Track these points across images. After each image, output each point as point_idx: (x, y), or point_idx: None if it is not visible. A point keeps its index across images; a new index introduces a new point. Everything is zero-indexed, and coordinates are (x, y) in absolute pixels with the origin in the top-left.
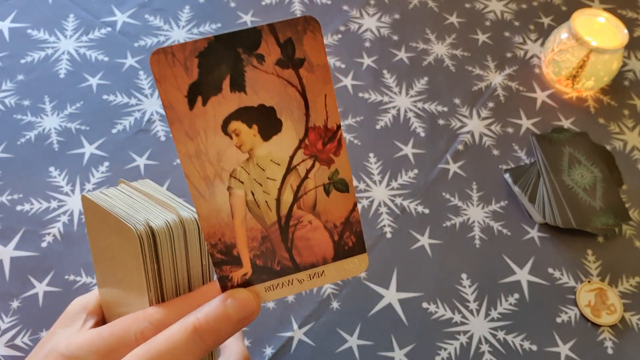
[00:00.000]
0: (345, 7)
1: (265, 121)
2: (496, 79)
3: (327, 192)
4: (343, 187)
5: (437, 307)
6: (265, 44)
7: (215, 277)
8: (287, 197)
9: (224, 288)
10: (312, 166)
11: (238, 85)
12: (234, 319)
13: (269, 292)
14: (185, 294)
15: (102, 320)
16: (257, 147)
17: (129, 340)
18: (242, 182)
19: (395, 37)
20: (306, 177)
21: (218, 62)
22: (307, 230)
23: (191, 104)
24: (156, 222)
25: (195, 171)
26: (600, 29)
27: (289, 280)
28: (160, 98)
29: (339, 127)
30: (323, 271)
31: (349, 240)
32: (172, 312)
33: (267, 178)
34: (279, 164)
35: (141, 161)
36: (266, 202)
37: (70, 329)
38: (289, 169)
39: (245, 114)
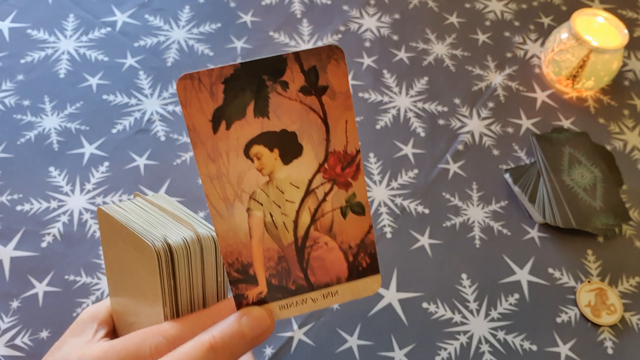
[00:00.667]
0: (345, 7)
1: (287, 145)
2: (496, 79)
3: (344, 215)
4: (360, 209)
5: (437, 307)
6: (290, 71)
7: (230, 294)
8: (305, 218)
9: (239, 306)
10: (331, 189)
11: (261, 110)
12: (249, 336)
13: (283, 310)
14: (199, 311)
15: (112, 331)
16: (278, 170)
17: (143, 355)
18: (261, 204)
19: (395, 37)
20: (324, 199)
21: (243, 88)
22: (322, 251)
23: (215, 127)
24: (174, 238)
25: (216, 192)
26: (600, 29)
27: (303, 299)
28: (184, 121)
29: (358, 152)
30: (337, 291)
31: (363, 261)
32: (186, 328)
33: (286, 200)
34: (297, 187)
35: (141, 161)
36: (284, 223)
37: (80, 339)
38: (308, 192)
39: (267, 139)
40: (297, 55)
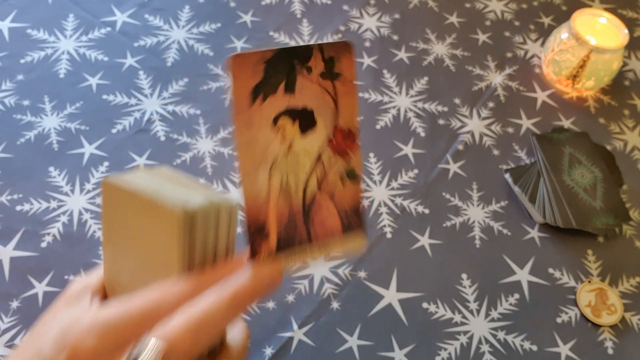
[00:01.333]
0: (346, 7)
1: (305, 120)
2: (496, 78)
3: (343, 182)
4: (355, 177)
5: (437, 307)
6: (314, 59)
7: (235, 253)
8: (312, 184)
9: (252, 257)
10: (335, 160)
11: (290, 89)
12: (262, 291)
13: (287, 260)
14: (214, 268)
15: (105, 300)
16: (296, 140)
17: (164, 309)
18: (279, 170)
19: (395, 37)
20: (329, 168)
21: (279, 69)
22: (324, 213)
23: (253, 100)
24: (192, 201)
25: (247, 157)
26: (600, 29)
27: (302, 250)
28: (231, 93)
29: (357, 129)
30: (329, 244)
31: (354, 222)
32: (202, 283)
33: (300, 167)
34: (309, 156)
35: (141, 161)
36: (296, 186)
37: (78, 308)
38: (317, 160)
39: (291, 113)
40: (320, 46)
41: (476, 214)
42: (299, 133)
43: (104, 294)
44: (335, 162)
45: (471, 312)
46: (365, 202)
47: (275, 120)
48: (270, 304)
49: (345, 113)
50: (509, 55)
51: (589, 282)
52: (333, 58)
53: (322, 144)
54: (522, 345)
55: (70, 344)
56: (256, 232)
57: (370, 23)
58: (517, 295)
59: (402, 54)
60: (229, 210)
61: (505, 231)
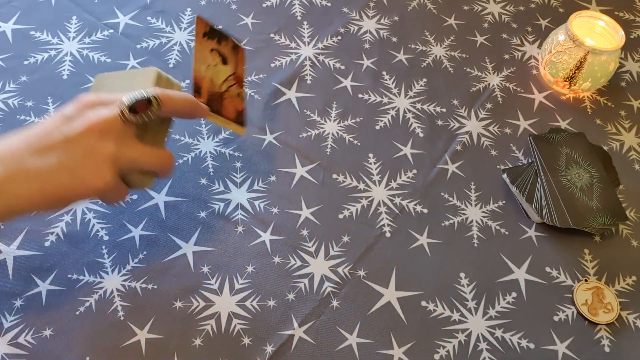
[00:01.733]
0: (345, 9)
1: (224, 58)
2: (494, 80)
3: (238, 96)
4: (242, 98)
5: (436, 305)
6: (227, 41)
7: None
8: (225, 86)
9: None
10: (234, 84)
11: (219, 42)
12: (197, 104)
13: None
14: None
15: None
16: (220, 64)
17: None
18: (210, 71)
19: (394, 39)
20: (231, 86)
21: (215, 33)
22: (228, 102)
23: (203, 37)
24: (157, 70)
25: (199, 57)
26: (597, 31)
27: (215, 116)
28: (196, 33)
29: (243, 77)
30: (228, 122)
31: (240, 117)
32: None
33: (220, 75)
34: (225, 73)
35: None
36: (217, 82)
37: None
38: (227, 77)
39: (219, 51)
40: (232, 38)
41: (474, 213)
42: (221, 62)
43: None
44: (234, 86)
45: (469, 310)
46: (364, 203)
47: (212, 50)
48: (271, 302)
49: (240, 68)
50: (507, 56)
51: (586, 280)
52: (236, 43)
53: (230, 73)
54: (519, 343)
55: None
56: (197, 90)
57: (370, 25)
58: (514, 294)
59: (401, 56)
60: (171, 81)
61: (502, 230)
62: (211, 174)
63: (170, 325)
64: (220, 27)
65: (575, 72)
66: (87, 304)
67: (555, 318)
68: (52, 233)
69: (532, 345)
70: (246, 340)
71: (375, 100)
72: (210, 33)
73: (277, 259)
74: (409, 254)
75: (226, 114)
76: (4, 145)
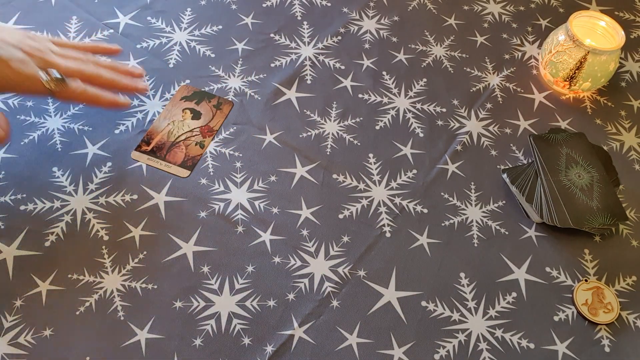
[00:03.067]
0: (345, 9)
1: (197, 112)
2: (494, 80)
3: (197, 145)
4: (202, 146)
5: (436, 305)
6: (208, 101)
7: None
8: (184, 137)
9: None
10: (197, 134)
11: (200, 102)
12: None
13: (149, 156)
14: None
15: None
16: (188, 119)
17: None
18: (173, 125)
19: (394, 39)
20: (193, 136)
21: (206, 94)
22: (178, 150)
23: (180, 101)
24: None
25: (162, 119)
26: (597, 31)
27: (158, 160)
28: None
29: (214, 129)
30: (168, 166)
31: (187, 163)
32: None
33: (182, 128)
34: (189, 127)
35: (143, 161)
36: (175, 134)
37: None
38: (192, 129)
39: (194, 109)
40: (219, 97)
41: (474, 213)
42: (190, 118)
43: None
44: (197, 135)
45: (469, 310)
46: (364, 203)
47: (184, 110)
48: (271, 302)
49: (215, 121)
50: (507, 56)
51: (586, 280)
52: (221, 104)
53: (196, 127)
54: (519, 343)
55: None
56: (145, 140)
57: (370, 25)
58: (514, 294)
59: (401, 56)
60: None
61: (502, 230)
62: (211, 174)
63: (170, 325)
64: (206, 89)
65: (575, 72)
66: (87, 304)
67: (555, 318)
68: (52, 233)
69: (532, 345)
70: (246, 340)
71: (375, 100)
72: (192, 95)
73: (277, 259)
74: (409, 254)
75: (169, 159)
76: None
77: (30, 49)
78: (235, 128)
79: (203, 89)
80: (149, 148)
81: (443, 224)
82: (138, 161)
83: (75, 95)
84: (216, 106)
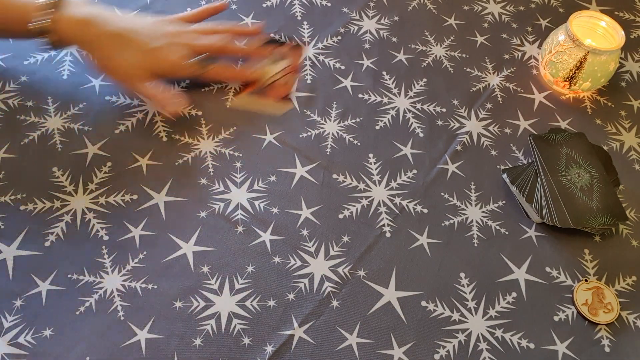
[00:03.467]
0: (345, 9)
1: (278, 57)
2: (494, 80)
3: (286, 84)
4: (290, 84)
5: (436, 305)
6: (281, 47)
7: None
8: (272, 79)
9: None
10: (285, 75)
11: (276, 48)
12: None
13: (250, 97)
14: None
15: None
16: (275, 60)
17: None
18: (266, 66)
19: (394, 39)
20: (282, 77)
21: (278, 41)
22: (277, 87)
23: (264, 44)
24: None
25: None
26: (597, 31)
27: (248, 99)
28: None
29: (296, 68)
30: (264, 105)
31: (284, 98)
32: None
33: (269, 72)
34: (275, 70)
35: (143, 162)
36: (268, 74)
37: None
38: (278, 72)
39: (273, 54)
40: (292, 40)
41: (474, 213)
42: (272, 63)
43: None
44: (287, 74)
45: (469, 310)
46: (364, 203)
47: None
48: (271, 303)
49: (295, 61)
50: (507, 56)
51: (586, 280)
52: (297, 45)
53: (282, 68)
54: (519, 343)
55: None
56: (244, 85)
57: (370, 25)
58: (514, 294)
59: (401, 56)
60: None
61: (502, 230)
62: (211, 174)
63: (170, 325)
64: (277, 37)
65: (575, 72)
66: (87, 304)
67: (555, 318)
68: (52, 233)
69: (532, 345)
70: (246, 340)
71: (375, 100)
72: (266, 43)
73: (277, 259)
74: (409, 254)
75: (268, 96)
76: None
77: (173, 35)
78: (235, 128)
79: (273, 37)
80: (246, 92)
81: (443, 224)
82: (237, 107)
83: (219, 75)
84: (290, 50)
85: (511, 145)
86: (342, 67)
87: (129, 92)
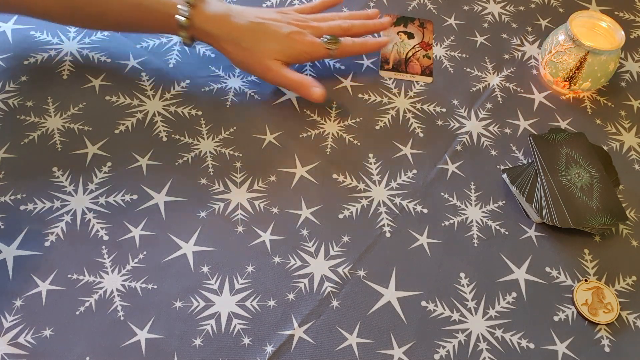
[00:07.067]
0: (345, 9)
1: (410, 34)
2: (494, 80)
3: (425, 57)
4: (429, 57)
5: (436, 305)
6: (415, 22)
7: None
8: (411, 53)
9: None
10: (420, 50)
11: (407, 24)
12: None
13: (390, 72)
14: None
15: None
16: (405, 40)
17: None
18: (397, 48)
19: None
20: (417, 51)
21: (407, 19)
22: (413, 63)
23: (391, 27)
24: None
25: (392, 41)
26: (597, 31)
27: (401, 74)
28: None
29: (430, 43)
30: (413, 76)
31: (426, 71)
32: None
33: (405, 47)
34: (410, 45)
35: (143, 161)
36: (403, 53)
37: None
38: (413, 47)
39: (404, 31)
40: (418, 19)
41: (474, 213)
42: (407, 38)
43: None
44: (420, 50)
45: (469, 310)
46: (364, 203)
47: (398, 33)
48: (271, 302)
49: (427, 37)
50: (507, 57)
51: (586, 280)
52: (423, 23)
53: (415, 43)
54: (519, 343)
55: None
56: (385, 61)
57: None
58: (514, 294)
59: None
60: None
61: (502, 230)
62: (211, 174)
63: (170, 325)
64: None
65: (575, 72)
66: (87, 304)
67: (555, 318)
68: (52, 233)
69: (532, 345)
70: (246, 340)
71: (375, 100)
72: (397, 21)
73: (277, 259)
74: (409, 254)
75: (410, 71)
76: None
77: (297, 22)
78: (235, 128)
79: (403, 15)
80: (391, 66)
81: (443, 224)
82: (386, 77)
83: (349, 48)
84: (421, 25)
85: (511, 145)
86: (342, 67)
87: (275, 80)
